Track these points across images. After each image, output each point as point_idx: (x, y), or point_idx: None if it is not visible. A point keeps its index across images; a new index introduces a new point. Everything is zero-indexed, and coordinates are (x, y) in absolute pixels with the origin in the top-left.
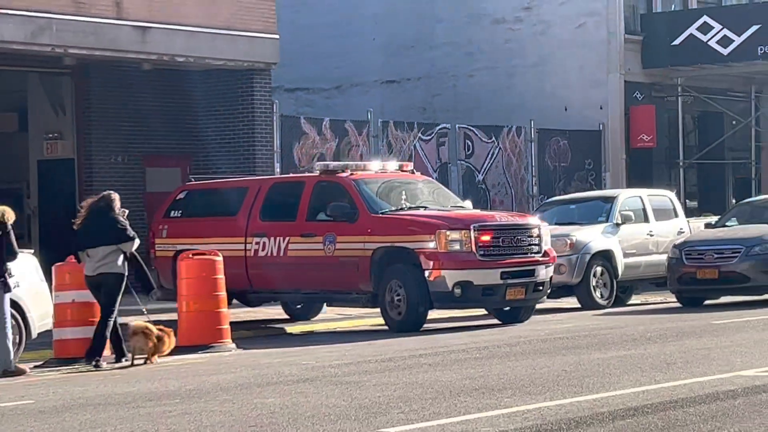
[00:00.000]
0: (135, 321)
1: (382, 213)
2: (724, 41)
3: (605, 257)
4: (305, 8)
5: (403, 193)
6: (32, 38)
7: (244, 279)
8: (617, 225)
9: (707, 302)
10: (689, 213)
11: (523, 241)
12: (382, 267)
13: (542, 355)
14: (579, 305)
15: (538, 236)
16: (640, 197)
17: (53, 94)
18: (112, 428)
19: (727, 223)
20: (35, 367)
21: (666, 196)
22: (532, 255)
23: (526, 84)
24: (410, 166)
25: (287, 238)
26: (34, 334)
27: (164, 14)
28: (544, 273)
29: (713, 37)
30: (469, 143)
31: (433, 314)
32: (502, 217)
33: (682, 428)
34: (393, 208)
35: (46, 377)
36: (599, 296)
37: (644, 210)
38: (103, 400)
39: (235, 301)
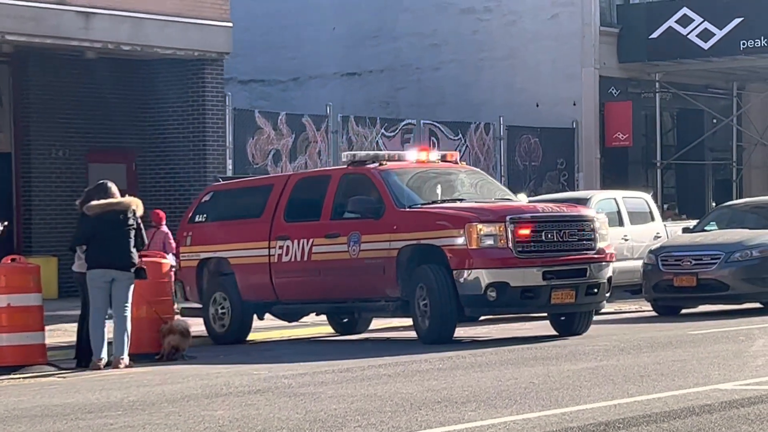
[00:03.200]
0: (175, 319)
1: (410, 207)
2: (705, 35)
3: None
4: None
5: (439, 185)
6: None
7: (269, 289)
8: None
9: (684, 311)
10: (666, 217)
11: (573, 235)
12: (410, 269)
13: (509, 366)
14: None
15: (593, 230)
16: (615, 199)
17: None
18: None
19: (706, 228)
20: None
21: (642, 199)
22: (585, 252)
23: (495, 78)
24: (456, 156)
25: (311, 240)
26: None
27: (111, 0)
28: (601, 273)
29: (693, 30)
30: (435, 140)
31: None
32: (547, 208)
33: None
34: (424, 202)
35: None
36: None
37: (619, 213)
38: (40, 412)
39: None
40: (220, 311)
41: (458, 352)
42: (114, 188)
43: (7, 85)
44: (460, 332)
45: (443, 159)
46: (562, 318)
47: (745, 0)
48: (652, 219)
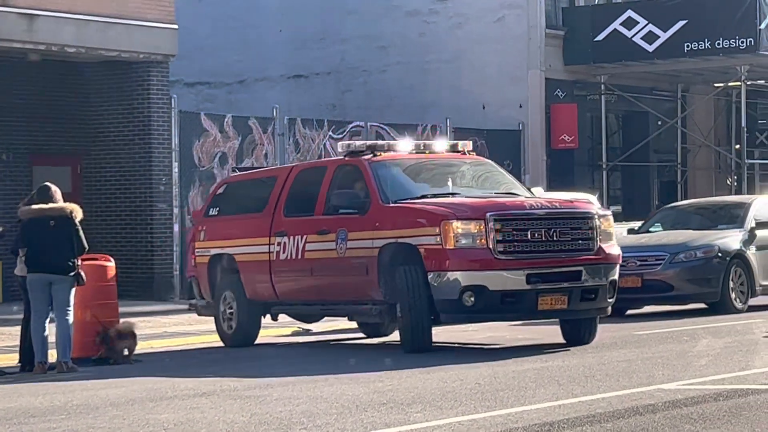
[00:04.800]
0: (122, 322)
1: (395, 202)
2: (650, 37)
3: None
4: None
5: (435, 177)
6: None
7: (270, 288)
8: None
9: (630, 312)
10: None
11: (565, 234)
12: (392, 270)
13: (455, 367)
14: None
15: (591, 228)
16: None
17: None
18: None
19: (650, 229)
20: None
21: (589, 200)
22: (580, 252)
23: (442, 80)
24: (468, 146)
25: (305, 237)
26: None
27: (53, 1)
28: (600, 276)
29: (638, 32)
30: None
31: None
32: (537, 204)
33: None
34: (412, 196)
35: None
36: None
37: None
38: None
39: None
40: (228, 311)
41: (408, 355)
42: (56, 192)
43: None
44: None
45: (453, 149)
46: (568, 325)
47: (689, 2)
48: None
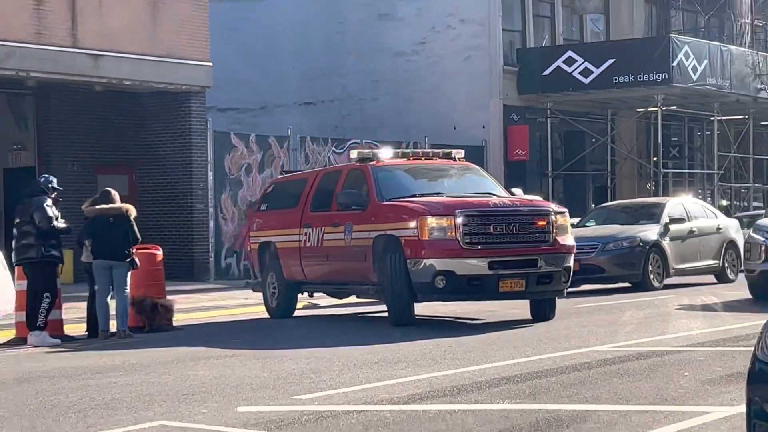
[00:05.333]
0: (156, 297)
1: (388, 200)
2: (586, 72)
3: None
4: (234, 41)
5: (425, 180)
6: None
7: (300, 271)
8: None
9: (570, 289)
10: None
11: (524, 228)
12: (383, 257)
13: (433, 335)
14: None
15: (549, 223)
16: None
17: (18, 112)
18: (65, 396)
19: (586, 224)
20: (1, 345)
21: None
22: (537, 244)
23: (422, 107)
24: (459, 154)
25: (323, 228)
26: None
27: (114, 44)
28: (555, 263)
29: (576, 68)
30: None
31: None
32: (500, 203)
33: (546, 394)
34: (403, 196)
35: (9, 354)
36: None
37: None
38: (58, 373)
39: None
40: (272, 289)
41: (396, 327)
42: (115, 195)
43: (32, 112)
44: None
45: (446, 156)
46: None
47: (617, 45)
48: None
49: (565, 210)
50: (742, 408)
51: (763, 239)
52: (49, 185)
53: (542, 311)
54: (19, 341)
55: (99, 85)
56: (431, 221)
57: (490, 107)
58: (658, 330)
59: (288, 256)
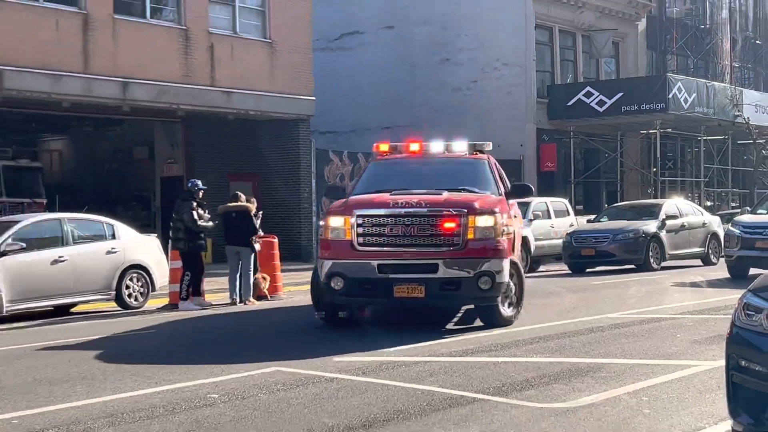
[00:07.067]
0: (261, 274)
1: (356, 195)
2: (600, 103)
3: (522, 242)
4: (332, 80)
5: (408, 175)
6: (156, 98)
7: None
8: (531, 221)
9: (588, 270)
10: (577, 213)
11: (425, 230)
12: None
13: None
14: None
15: (461, 225)
16: (546, 203)
17: (170, 135)
18: (208, 335)
19: (600, 219)
20: (157, 309)
21: (562, 202)
22: (439, 247)
23: (473, 130)
24: (488, 146)
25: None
26: (156, 288)
27: (242, 83)
28: (465, 268)
29: (593, 100)
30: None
31: None
32: (403, 203)
33: (569, 350)
34: (372, 191)
35: (164, 315)
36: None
37: (548, 211)
38: (204, 325)
39: None
40: None
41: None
42: (241, 195)
43: (181, 135)
44: None
45: (473, 150)
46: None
47: (624, 82)
48: (568, 214)
49: (493, 210)
50: (722, 362)
51: (738, 232)
52: (195, 188)
53: (483, 318)
54: (172, 306)
55: (231, 114)
56: (331, 221)
57: (526, 130)
58: (656, 301)
59: None
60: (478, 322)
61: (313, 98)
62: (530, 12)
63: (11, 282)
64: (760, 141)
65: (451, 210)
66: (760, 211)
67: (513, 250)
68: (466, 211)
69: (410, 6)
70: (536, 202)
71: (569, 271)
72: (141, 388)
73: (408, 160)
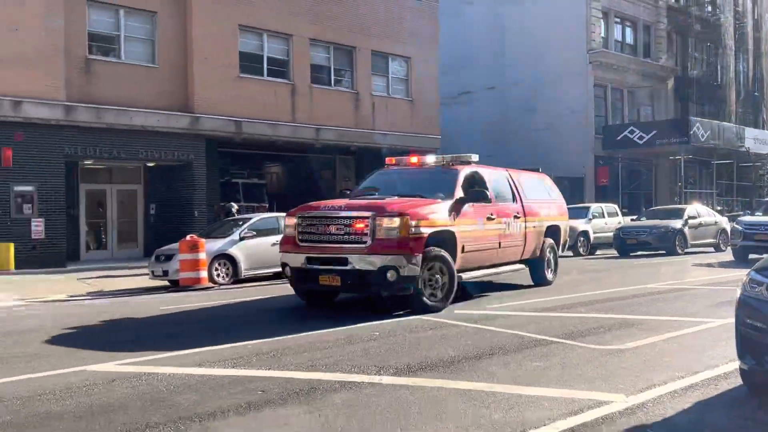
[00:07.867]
0: None
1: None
2: (640, 137)
3: (585, 234)
4: (451, 121)
5: (397, 183)
6: (338, 139)
7: None
8: (590, 219)
9: (632, 254)
10: (623, 214)
11: (341, 230)
12: None
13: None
14: (571, 254)
15: (367, 227)
16: (601, 207)
17: (345, 162)
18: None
19: (640, 219)
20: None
21: (613, 207)
22: (351, 244)
23: (549, 157)
24: (474, 158)
25: None
26: (241, 276)
27: (393, 126)
28: (369, 264)
29: (635, 135)
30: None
31: None
32: (328, 206)
33: (612, 311)
34: (361, 196)
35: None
36: (582, 250)
37: (603, 213)
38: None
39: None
40: None
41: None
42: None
43: (354, 164)
44: None
45: (470, 161)
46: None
47: (658, 122)
48: (618, 215)
49: (400, 215)
50: (732, 320)
51: (741, 228)
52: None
53: (412, 305)
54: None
55: (384, 148)
56: (286, 221)
57: (588, 157)
58: (681, 276)
59: None
60: (553, 293)
61: (439, 136)
62: (590, 76)
63: (246, 256)
64: (758, 164)
65: (362, 212)
66: (757, 213)
67: (424, 246)
68: (375, 213)
69: (507, 72)
70: (594, 206)
71: (617, 255)
72: (241, 339)
73: (400, 170)
